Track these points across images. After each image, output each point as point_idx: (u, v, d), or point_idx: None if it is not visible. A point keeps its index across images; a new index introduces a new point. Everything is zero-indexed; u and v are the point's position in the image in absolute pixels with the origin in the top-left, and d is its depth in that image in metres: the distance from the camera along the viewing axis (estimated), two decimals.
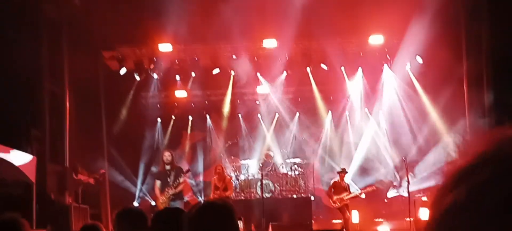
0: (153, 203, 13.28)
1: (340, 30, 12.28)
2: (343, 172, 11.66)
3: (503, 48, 10.19)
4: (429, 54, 12.79)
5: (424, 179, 12.41)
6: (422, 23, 11.63)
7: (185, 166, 13.22)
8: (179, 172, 10.18)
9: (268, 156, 13.49)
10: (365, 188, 11.68)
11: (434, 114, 12.60)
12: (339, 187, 11.36)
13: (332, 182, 11.69)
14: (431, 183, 12.21)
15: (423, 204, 11.43)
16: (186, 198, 11.41)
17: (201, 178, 14.92)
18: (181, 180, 10.05)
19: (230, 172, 13.11)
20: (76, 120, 11.94)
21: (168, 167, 10.13)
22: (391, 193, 13.66)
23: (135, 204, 14.01)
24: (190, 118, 15.47)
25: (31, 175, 9.75)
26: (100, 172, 12.18)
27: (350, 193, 11.37)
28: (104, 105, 13.39)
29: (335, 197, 11.25)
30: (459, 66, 11.84)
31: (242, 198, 12.71)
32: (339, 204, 11.22)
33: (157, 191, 10.13)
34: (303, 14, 11.30)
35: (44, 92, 10.92)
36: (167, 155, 10.18)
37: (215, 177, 10.79)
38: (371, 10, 11.37)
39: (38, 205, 9.75)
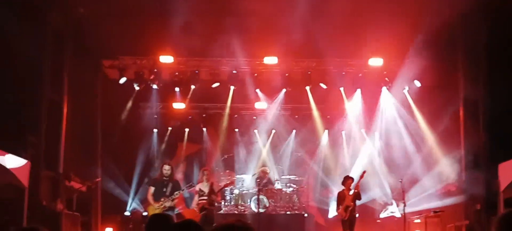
0: (145, 213, 13.24)
1: (340, 51, 12.42)
2: (347, 179, 10.79)
3: (500, 76, 10.34)
4: (427, 79, 12.94)
5: (418, 201, 12.45)
6: (421, 48, 11.79)
7: (179, 177, 13.23)
8: (177, 186, 10.19)
9: (263, 172, 13.51)
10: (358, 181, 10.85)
11: (430, 138, 12.69)
12: (342, 198, 10.71)
13: (336, 194, 11.11)
14: (424, 206, 12.27)
15: (416, 226, 11.47)
16: (177, 210, 11.42)
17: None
18: (178, 194, 10.08)
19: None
20: (73, 127, 11.90)
21: (166, 178, 10.15)
22: (384, 214, 13.69)
23: (127, 213, 13.95)
24: (187, 130, 15.48)
25: (24, 180, 9.68)
26: (95, 180, 12.12)
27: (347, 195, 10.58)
28: (101, 113, 13.38)
29: (338, 210, 10.70)
30: (456, 92, 11.97)
31: (236, 212, 12.68)
32: (344, 214, 10.53)
33: (150, 198, 10.14)
34: (304, 34, 11.42)
35: (43, 98, 10.88)
36: (167, 169, 10.22)
37: (202, 182, 10.80)
38: (372, 34, 11.52)
39: (29, 211, 9.67)
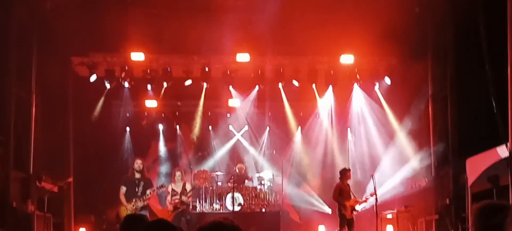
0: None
1: (312, 48, 12.52)
2: (347, 172, 10.39)
3: (468, 72, 10.61)
4: (397, 76, 13.19)
5: (389, 197, 12.67)
6: (391, 45, 12.00)
7: (152, 176, 13.11)
8: (148, 184, 10.08)
9: (240, 169, 13.54)
10: (372, 194, 10.49)
11: (401, 133, 12.94)
12: (346, 191, 10.28)
13: (335, 185, 10.55)
14: (395, 200, 12.51)
15: (388, 221, 11.69)
16: (150, 209, 11.33)
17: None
18: (150, 194, 9.97)
19: (199, 183, 13.06)
20: (42, 126, 11.65)
21: (137, 175, 10.05)
22: (356, 208, 13.87)
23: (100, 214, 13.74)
24: (160, 128, 15.36)
25: None
26: (68, 181, 11.91)
27: (356, 198, 10.43)
28: (72, 112, 13.14)
29: (346, 203, 10.16)
30: (426, 88, 12.23)
31: (210, 211, 12.67)
32: (350, 214, 10.18)
33: (122, 198, 10.03)
34: (276, 31, 11.47)
35: (10, 96, 10.62)
36: (138, 163, 10.09)
37: (173, 182, 10.75)
38: (343, 31, 11.65)
39: None
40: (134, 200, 9.89)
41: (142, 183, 10.01)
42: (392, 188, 12.65)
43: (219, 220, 2.48)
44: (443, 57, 11.55)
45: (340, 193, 10.33)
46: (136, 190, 9.99)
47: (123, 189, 10.06)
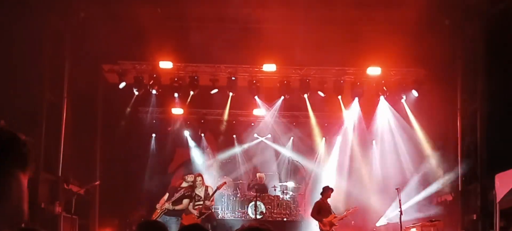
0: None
1: (339, 60, 12.49)
2: (328, 190, 10.91)
3: (498, 86, 10.39)
4: (425, 89, 13.01)
5: (414, 210, 12.46)
6: (419, 58, 11.86)
7: (178, 182, 13.25)
8: (189, 195, 10.17)
9: (260, 178, 13.55)
10: (348, 209, 11.19)
11: (428, 147, 12.72)
12: (325, 208, 10.75)
13: (315, 203, 11.04)
14: (421, 214, 12.28)
15: None
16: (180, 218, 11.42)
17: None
18: (184, 204, 10.08)
19: (222, 189, 13.13)
20: (72, 130, 11.96)
21: (184, 185, 10.20)
22: (380, 221, 13.68)
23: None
24: (185, 135, 15.54)
25: None
26: (94, 184, 12.16)
27: (334, 214, 10.81)
28: (100, 117, 13.45)
29: (324, 220, 10.61)
30: (454, 102, 12.02)
31: (232, 218, 12.70)
32: (328, 228, 10.58)
33: (161, 202, 10.26)
34: (303, 42, 11.50)
35: (43, 100, 10.96)
36: (191, 177, 10.31)
37: (197, 186, 10.81)
38: (370, 43, 11.58)
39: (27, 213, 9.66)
40: (164, 203, 10.06)
41: (181, 191, 10.14)
42: (417, 202, 12.43)
43: (256, 226, 2.51)
44: (473, 70, 11.34)
45: (319, 210, 10.71)
46: (174, 195, 10.14)
47: (166, 195, 10.25)
